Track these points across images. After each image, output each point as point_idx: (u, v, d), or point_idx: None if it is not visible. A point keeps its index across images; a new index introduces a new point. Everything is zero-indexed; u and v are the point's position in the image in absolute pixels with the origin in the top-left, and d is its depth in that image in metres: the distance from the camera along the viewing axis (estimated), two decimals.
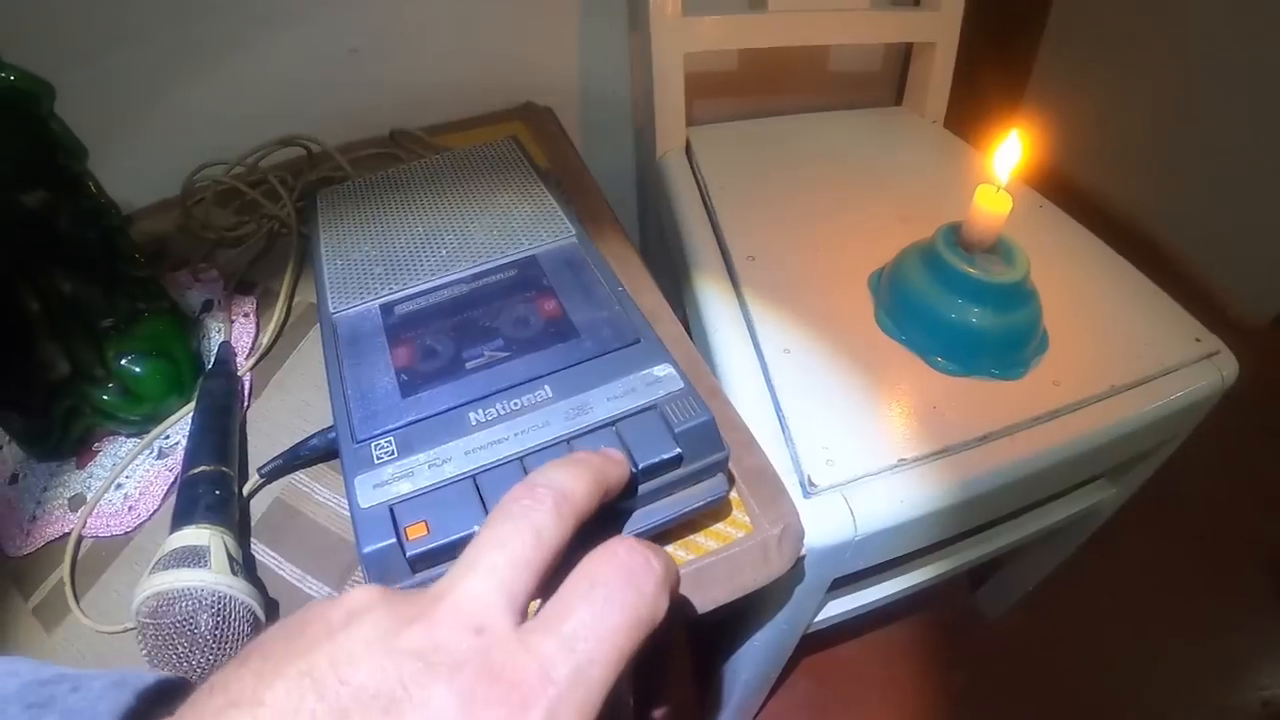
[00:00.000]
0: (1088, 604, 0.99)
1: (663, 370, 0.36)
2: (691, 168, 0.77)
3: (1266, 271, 1.03)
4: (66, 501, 0.47)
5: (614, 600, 0.21)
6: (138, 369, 0.48)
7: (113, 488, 0.47)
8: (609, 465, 0.28)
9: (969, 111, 0.99)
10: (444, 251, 0.45)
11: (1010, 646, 0.98)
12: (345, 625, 0.20)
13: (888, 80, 0.99)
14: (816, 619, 0.60)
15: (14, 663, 0.24)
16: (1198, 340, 0.58)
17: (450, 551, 0.31)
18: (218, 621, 0.34)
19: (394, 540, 0.31)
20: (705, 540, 0.39)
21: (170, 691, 0.24)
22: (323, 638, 0.20)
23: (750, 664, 0.67)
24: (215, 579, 0.35)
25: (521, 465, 0.32)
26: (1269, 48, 0.86)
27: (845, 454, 0.47)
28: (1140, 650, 0.97)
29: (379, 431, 0.35)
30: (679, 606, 0.32)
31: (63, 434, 0.48)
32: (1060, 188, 0.84)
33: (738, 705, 0.79)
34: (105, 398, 0.48)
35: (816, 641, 0.94)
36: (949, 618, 1.01)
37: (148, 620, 0.34)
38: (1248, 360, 0.61)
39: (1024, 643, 0.98)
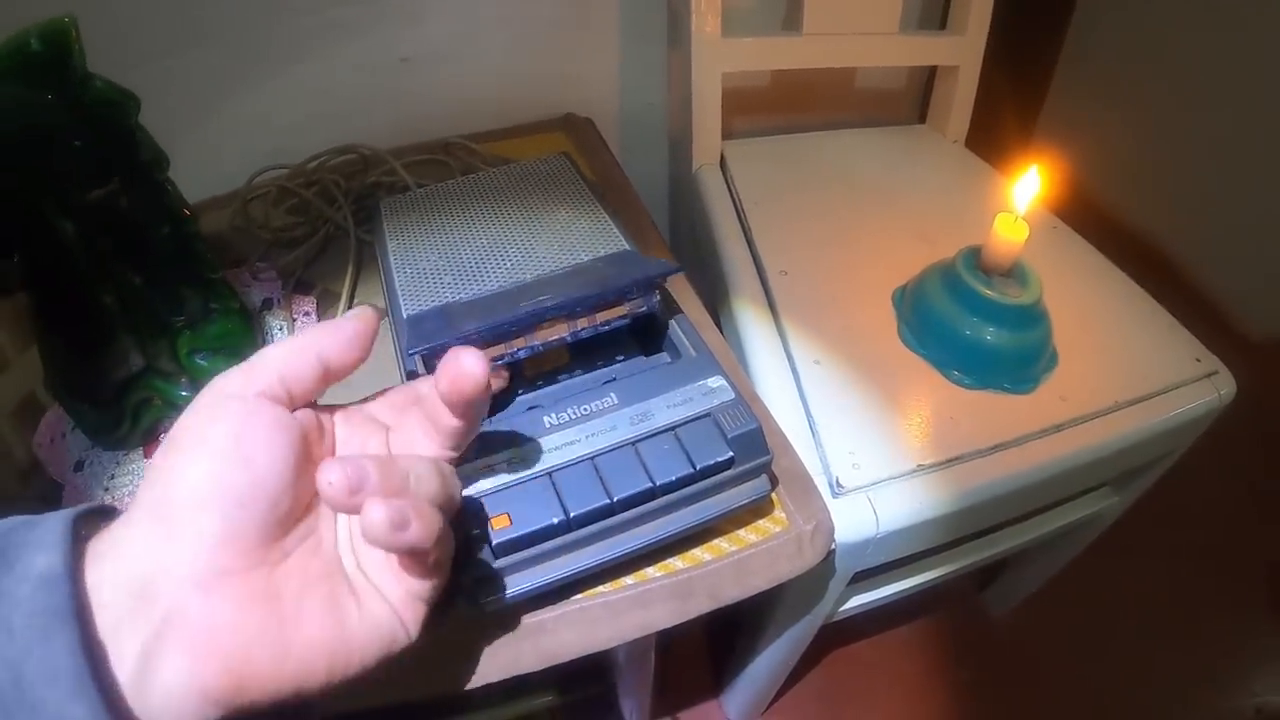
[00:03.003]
0: (1089, 607, 1.03)
1: (715, 382, 0.40)
2: (726, 181, 0.80)
3: (1276, 288, 1.06)
4: (137, 489, 0.50)
5: None
6: (208, 364, 0.51)
7: None
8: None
9: (987, 129, 1.02)
10: (508, 263, 0.49)
11: (1013, 645, 1.01)
12: None
13: (911, 99, 1.02)
14: (837, 611, 0.64)
15: None
16: (1198, 360, 0.61)
17: (530, 540, 0.35)
18: None
19: (481, 530, 0.35)
20: (746, 534, 0.43)
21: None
22: None
23: (770, 651, 0.71)
24: None
25: (593, 465, 0.36)
26: None
27: (870, 459, 0.51)
28: (1138, 652, 1.00)
29: None
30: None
31: (132, 425, 0.50)
32: (1076, 202, 0.87)
33: (755, 692, 0.83)
34: (179, 392, 0.51)
35: (833, 636, 0.97)
36: (956, 616, 1.05)
37: None
38: (1253, 374, 0.64)
39: (1027, 642, 1.02)
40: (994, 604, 1.04)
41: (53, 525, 0.24)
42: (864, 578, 0.60)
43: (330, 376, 0.30)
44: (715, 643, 0.97)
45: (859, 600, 0.64)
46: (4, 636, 0.21)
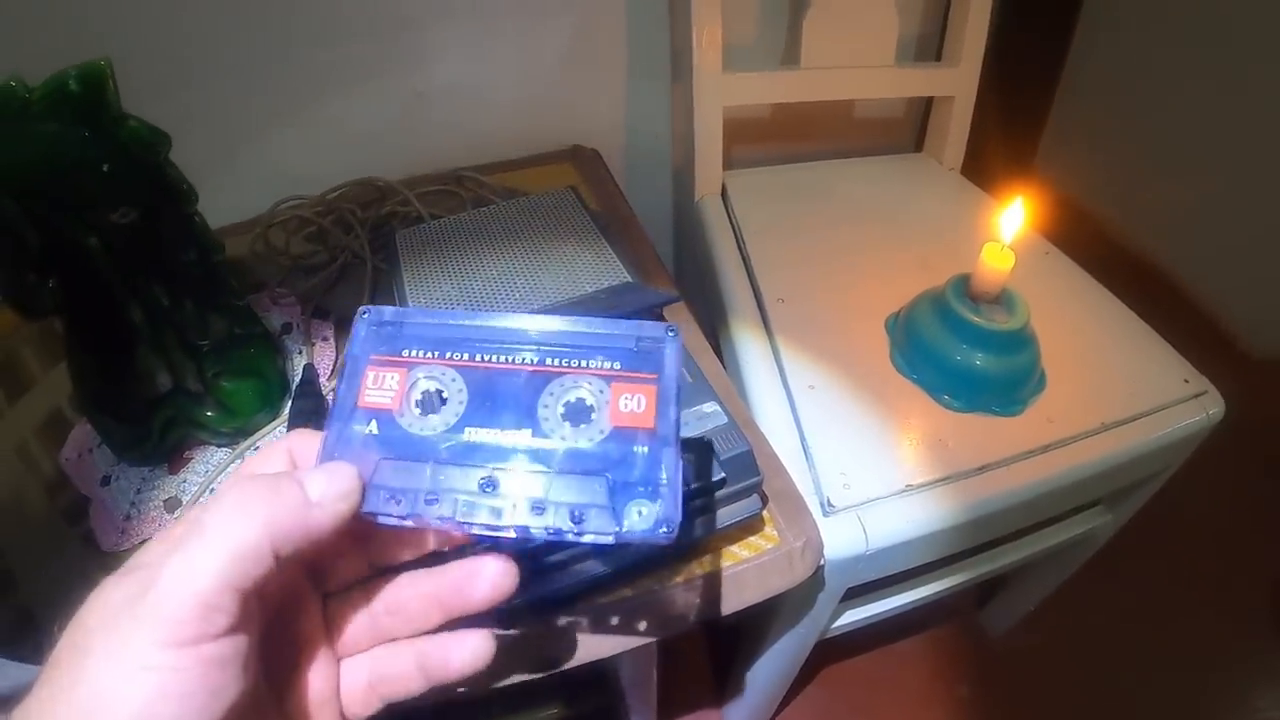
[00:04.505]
0: (1089, 626, 1.03)
1: (710, 407, 0.43)
2: (727, 211, 0.83)
3: (1276, 306, 1.07)
4: (162, 504, 0.51)
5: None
6: (232, 386, 0.54)
7: (207, 492, 0.52)
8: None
9: (988, 157, 1.04)
10: (516, 294, 0.52)
11: (1013, 664, 1.02)
12: None
13: (909, 127, 1.05)
14: (832, 626, 0.65)
15: None
16: (1186, 381, 0.63)
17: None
18: None
19: None
20: (739, 550, 0.46)
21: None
22: None
23: (769, 666, 0.72)
24: None
25: None
26: None
27: (860, 479, 0.54)
28: (1139, 671, 1.00)
29: None
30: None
31: (159, 442, 0.53)
32: (1074, 227, 0.88)
33: (756, 707, 0.84)
34: (205, 411, 0.53)
35: (831, 651, 0.98)
36: (955, 634, 1.06)
37: None
38: (1254, 393, 0.65)
39: (1026, 661, 1.02)
40: (993, 622, 1.05)
41: None
42: (857, 594, 0.61)
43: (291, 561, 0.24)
44: (717, 658, 0.98)
45: (853, 616, 0.66)
46: None
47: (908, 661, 1.03)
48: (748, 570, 0.45)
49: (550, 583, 0.39)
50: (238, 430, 0.55)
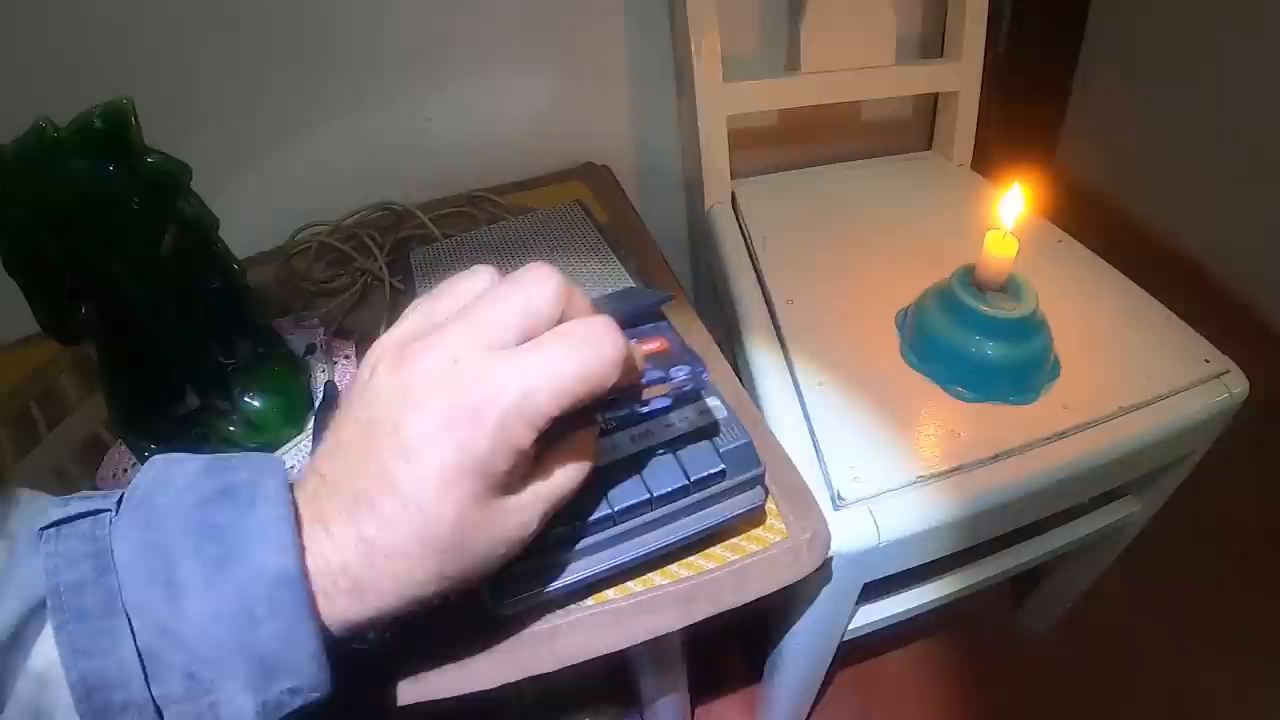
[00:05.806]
0: (1132, 622, 1.01)
1: (711, 402, 0.43)
2: (738, 218, 0.84)
3: None
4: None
5: (575, 351, 0.28)
6: (258, 404, 0.56)
7: None
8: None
9: (1003, 148, 1.03)
10: None
11: (1054, 664, 1.00)
12: (371, 370, 0.30)
13: (918, 126, 1.05)
14: (854, 625, 0.65)
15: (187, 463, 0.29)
16: (1207, 361, 0.62)
17: (542, 548, 0.38)
18: None
19: None
20: (747, 544, 0.46)
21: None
22: (356, 383, 0.31)
23: (794, 667, 0.72)
24: None
25: (598, 480, 0.40)
26: None
27: (871, 472, 0.54)
28: (1183, 667, 0.98)
29: None
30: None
31: None
32: (1100, 210, 0.86)
33: (785, 711, 0.84)
34: (230, 428, 0.56)
35: (861, 653, 0.98)
36: (993, 635, 1.04)
37: None
38: None
39: (1068, 661, 1.01)
40: (1031, 622, 1.03)
41: (274, 523, 0.26)
42: (877, 591, 0.61)
43: None
44: (750, 667, 0.98)
45: (875, 615, 0.65)
46: (248, 624, 0.25)
47: (943, 663, 1.02)
48: (755, 563, 0.45)
49: (564, 577, 0.40)
50: (264, 445, 0.57)
